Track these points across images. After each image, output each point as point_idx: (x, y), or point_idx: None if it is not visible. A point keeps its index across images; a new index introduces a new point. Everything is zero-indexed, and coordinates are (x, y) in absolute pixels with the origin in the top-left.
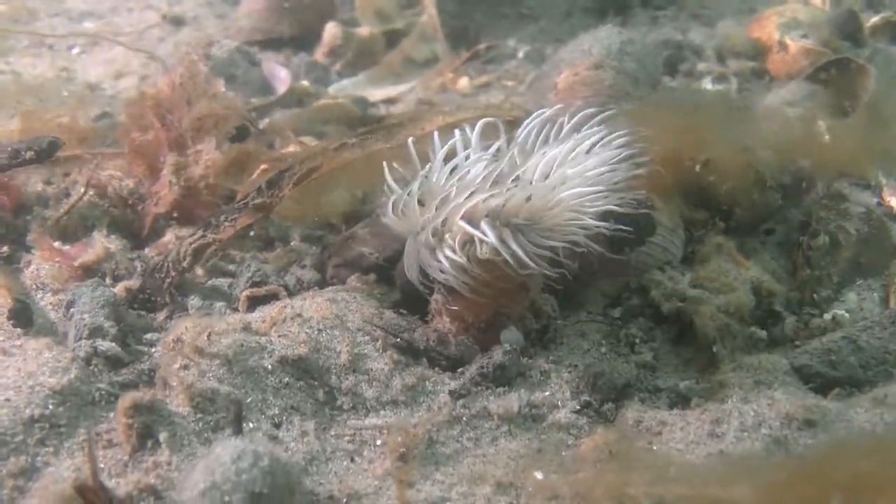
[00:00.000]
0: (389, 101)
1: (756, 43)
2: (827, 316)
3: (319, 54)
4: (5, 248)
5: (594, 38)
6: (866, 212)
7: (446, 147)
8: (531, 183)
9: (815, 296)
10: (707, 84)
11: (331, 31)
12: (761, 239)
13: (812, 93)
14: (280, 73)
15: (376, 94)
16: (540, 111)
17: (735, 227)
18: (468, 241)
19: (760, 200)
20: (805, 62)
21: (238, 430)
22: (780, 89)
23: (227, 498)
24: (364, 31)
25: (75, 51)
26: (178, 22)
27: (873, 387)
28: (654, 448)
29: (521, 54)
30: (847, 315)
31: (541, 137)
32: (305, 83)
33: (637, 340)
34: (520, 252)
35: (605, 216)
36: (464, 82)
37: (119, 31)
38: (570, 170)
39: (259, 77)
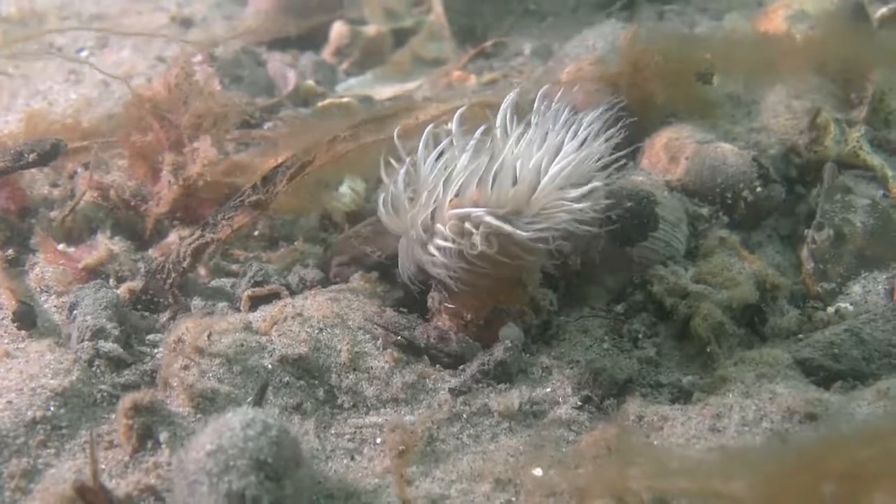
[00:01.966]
0: (396, 100)
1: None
2: (830, 309)
3: (327, 53)
4: (10, 251)
5: (598, 34)
6: (871, 204)
7: (426, 142)
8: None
9: (819, 289)
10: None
11: (338, 30)
12: (766, 233)
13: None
14: (286, 73)
15: (383, 92)
16: (510, 97)
17: (739, 221)
18: (459, 234)
19: (764, 193)
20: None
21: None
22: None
23: (232, 462)
24: (371, 29)
25: (83, 53)
26: (186, 23)
27: (876, 380)
28: (655, 443)
29: (527, 51)
30: (851, 308)
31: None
32: (311, 82)
33: (640, 335)
34: (512, 229)
35: (607, 210)
36: (471, 79)
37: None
38: (540, 151)
39: (265, 77)
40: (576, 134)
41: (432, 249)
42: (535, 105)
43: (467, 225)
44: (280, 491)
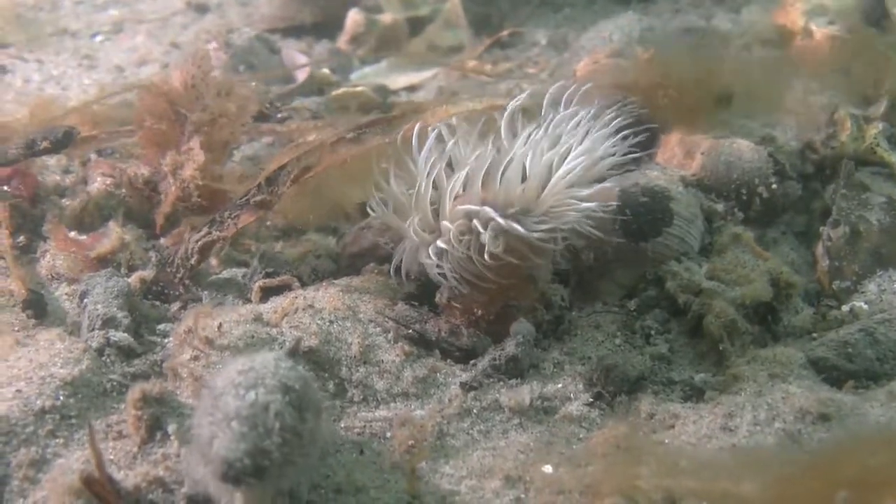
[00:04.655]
0: (411, 89)
1: (781, 30)
2: (845, 307)
3: (342, 41)
4: (22, 238)
5: (615, 26)
6: (888, 201)
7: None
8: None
9: (834, 287)
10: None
11: (353, 17)
12: (781, 229)
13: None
14: (300, 61)
15: (398, 81)
16: (515, 99)
17: (754, 217)
18: (465, 232)
19: (780, 190)
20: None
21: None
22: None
23: (261, 380)
24: (387, 17)
25: (98, 38)
26: (201, 9)
27: (889, 380)
28: (666, 441)
29: (543, 41)
30: (866, 307)
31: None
32: (326, 71)
33: (652, 332)
34: (524, 231)
35: (622, 204)
36: (486, 69)
37: (143, 18)
38: (552, 149)
39: (279, 65)
40: (587, 132)
41: (433, 255)
42: (545, 101)
43: (475, 223)
44: (301, 423)
